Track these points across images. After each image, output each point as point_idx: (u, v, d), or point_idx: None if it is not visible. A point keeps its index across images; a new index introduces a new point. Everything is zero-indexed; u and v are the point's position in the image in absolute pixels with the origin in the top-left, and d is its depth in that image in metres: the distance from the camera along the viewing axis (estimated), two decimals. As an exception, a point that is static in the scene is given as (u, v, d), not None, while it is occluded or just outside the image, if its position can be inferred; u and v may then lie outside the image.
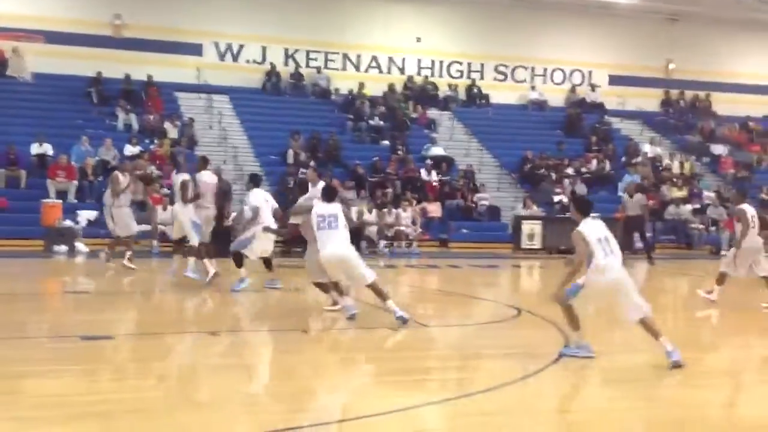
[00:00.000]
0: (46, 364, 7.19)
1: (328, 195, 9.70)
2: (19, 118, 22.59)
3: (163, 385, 6.74)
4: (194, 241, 12.31)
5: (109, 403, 5.92)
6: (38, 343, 8.24)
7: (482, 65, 30.78)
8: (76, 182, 20.33)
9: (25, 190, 20.42)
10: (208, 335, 8.76)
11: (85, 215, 19.15)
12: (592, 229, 7.58)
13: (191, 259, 12.42)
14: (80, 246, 17.97)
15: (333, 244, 9.21)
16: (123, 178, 14.42)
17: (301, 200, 11.22)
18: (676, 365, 7.20)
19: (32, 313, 10.16)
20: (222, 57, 27.97)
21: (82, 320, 9.69)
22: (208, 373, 7.12)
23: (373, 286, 9.42)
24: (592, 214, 7.80)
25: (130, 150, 22.06)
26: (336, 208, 9.47)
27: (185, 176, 12.80)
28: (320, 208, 9.47)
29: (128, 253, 14.13)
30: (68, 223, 18.52)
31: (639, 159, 27.19)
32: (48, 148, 21.09)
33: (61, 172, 20.26)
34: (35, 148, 21.05)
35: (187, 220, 12.29)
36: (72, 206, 19.37)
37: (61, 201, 19.35)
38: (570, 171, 25.74)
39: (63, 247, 17.81)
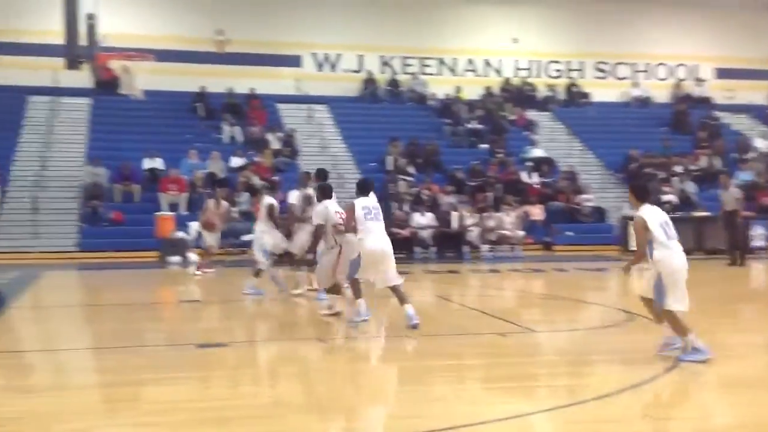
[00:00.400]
0: (163, 372, 7.46)
1: (364, 189, 9.88)
2: (132, 135, 23.58)
3: (276, 391, 6.89)
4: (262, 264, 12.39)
5: (225, 410, 6.10)
6: (156, 351, 8.57)
7: (582, 63, 30.27)
8: (186, 194, 21.05)
9: (139, 204, 21.28)
10: (317, 342, 8.91)
11: (196, 226, 19.77)
12: (652, 214, 7.54)
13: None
14: (192, 256, 18.59)
15: (376, 236, 9.40)
16: (212, 205, 14.85)
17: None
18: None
19: (149, 321, 10.58)
20: (320, 67, 28.46)
21: (197, 328, 10.02)
22: (320, 379, 7.24)
23: (398, 288, 9.46)
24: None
25: (235, 162, 22.70)
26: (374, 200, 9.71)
27: (271, 199, 12.61)
28: (364, 201, 9.65)
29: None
30: (180, 234, 19.20)
31: (751, 155, 26.07)
32: (159, 163, 21.92)
33: (172, 185, 21.03)
34: (147, 163, 21.91)
35: (262, 243, 12.24)
36: (183, 218, 20.07)
37: (173, 213, 20.08)
38: (678, 169, 24.92)
39: (176, 258, 18.48)
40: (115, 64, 25.49)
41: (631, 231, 21.06)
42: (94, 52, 14.27)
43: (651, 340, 8.55)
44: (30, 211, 20.15)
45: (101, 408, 6.28)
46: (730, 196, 18.80)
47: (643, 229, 7.46)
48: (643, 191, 7.91)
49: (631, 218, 18.75)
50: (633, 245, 20.54)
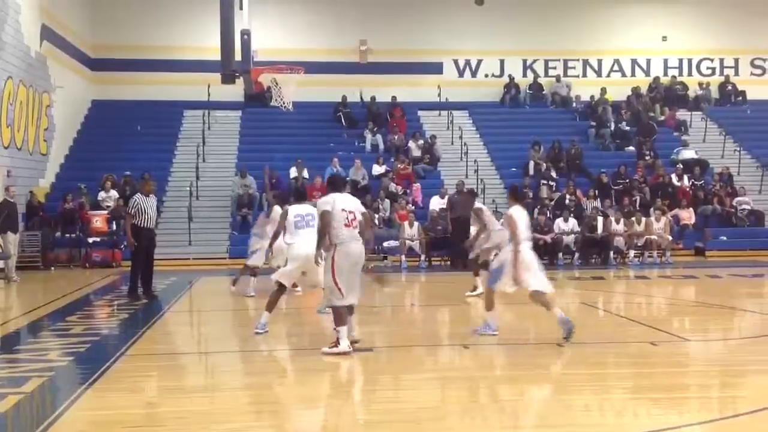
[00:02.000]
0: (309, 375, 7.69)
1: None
2: (279, 145, 24.47)
3: (426, 396, 6.96)
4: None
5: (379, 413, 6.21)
6: (300, 354, 8.84)
7: (736, 60, 28.82)
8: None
9: (286, 212, 21.93)
10: (461, 347, 8.92)
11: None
12: None
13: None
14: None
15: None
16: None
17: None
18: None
19: (298, 326, 10.89)
20: (461, 73, 28.49)
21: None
22: (460, 386, 7.24)
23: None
24: None
25: (377, 170, 23.07)
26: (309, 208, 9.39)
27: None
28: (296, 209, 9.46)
29: None
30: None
31: None
32: (305, 172, 22.59)
33: (317, 193, 21.54)
34: (293, 172, 22.63)
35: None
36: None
37: (319, 221, 20.58)
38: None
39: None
40: (265, 78, 26.46)
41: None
42: (248, 67, 14.87)
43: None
44: (185, 219, 21.25)
45: (251, 409, 6.54)
46: None
47: None
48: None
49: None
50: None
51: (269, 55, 25.63)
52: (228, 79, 14.58)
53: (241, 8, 14.34)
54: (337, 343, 8.11)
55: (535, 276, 8.89)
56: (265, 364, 8.30)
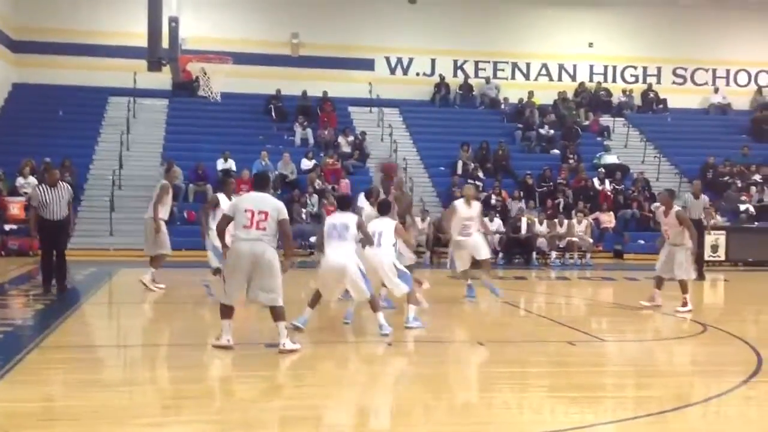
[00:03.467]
0: (233, 370, 7.60)
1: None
2: (207, 136, 24.10)
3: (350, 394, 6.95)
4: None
5: (288, 409, 6.16)
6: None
7: (659, 69, 29.66)
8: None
9: (211, 204, 21.65)
10: (385, 345, 8.94)
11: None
12: None
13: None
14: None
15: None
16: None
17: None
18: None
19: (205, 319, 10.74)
20: (393, 71, 28.56)
21: (265, 327, 10.14)
22: (386, 383, 7.25)
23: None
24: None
25: (306, 164, 22.95)
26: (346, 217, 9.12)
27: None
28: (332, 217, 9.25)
29: None
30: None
31: (836, 164, 25.13)
32: (232, 164, 22.31)
33: (244, 186, 21.31)
34: (220, 164, 22.33)
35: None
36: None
37: (244, 213, 20.36)
38: (757, 178, 24.18)
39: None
40: (194, 67, 26.04)
41: (707, 241, 20.64)
42: (176, 54, 14.59)
43: (724, 352, 8.34)
44: (107, 209, 20.73)
45: (171, 404, 6.43)
46: None
47: None
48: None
49: (706, 228, 18.10)
50: (707, 256, 20.13)
51: (198, 44, 25.29)
52: (154, 66, 14.30)
53: (170, -5, 14.07)
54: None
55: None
56: (185, 358, 8.14)
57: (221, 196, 11.84)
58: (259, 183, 8.52)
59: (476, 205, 12.41)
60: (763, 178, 24.18)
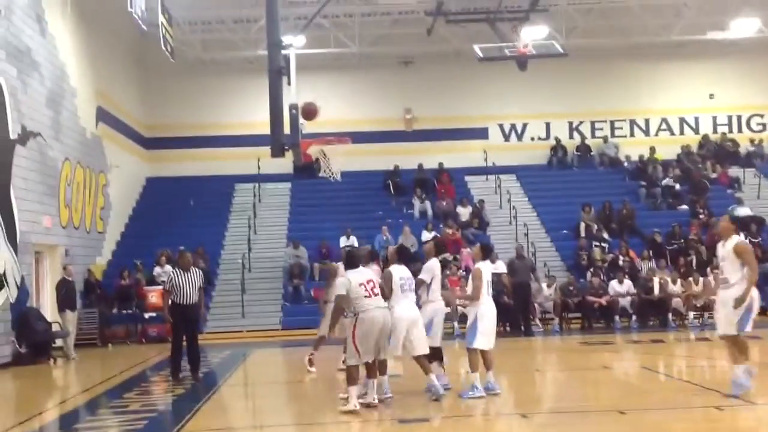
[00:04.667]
0: None
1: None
2: (329, 215, 24.69)
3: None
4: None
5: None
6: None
7: (788, 114, 28.42)
8: (379, 269, 21.53)
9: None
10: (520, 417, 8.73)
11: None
12: None
13: None
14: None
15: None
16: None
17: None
18: None
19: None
20: (507, 137, 28.60)
21: (404, 403, 10.11)
22: None
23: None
24: None
25: (426, 236, 23.05)
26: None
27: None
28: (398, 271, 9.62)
29: None
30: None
31: None
32: (354, 240, 22.68)
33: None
34: (343, 241, 22.75)
35: None
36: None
37: (369, 289, 20.57)
38: None
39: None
40: (314, 149, 26.89)
41: None
42: (297, 139, 15.16)
43: None
44: (238, 292, 21.41)
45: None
46: None
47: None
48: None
49: None
50: None
51: (317, 126, 26.10)
52: (277, 152, 14.85)
53: (289, 83, 14.64)
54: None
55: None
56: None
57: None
58: (352, 261, 9.46)
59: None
60: None
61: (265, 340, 19.22)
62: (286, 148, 14.92)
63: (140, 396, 11.23)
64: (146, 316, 20.19)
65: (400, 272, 9.63)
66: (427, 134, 27.85)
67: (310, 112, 12.46)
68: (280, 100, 14.42)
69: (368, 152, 26.67)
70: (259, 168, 25.56)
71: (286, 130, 14.79)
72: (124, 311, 20.43)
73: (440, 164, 26.72)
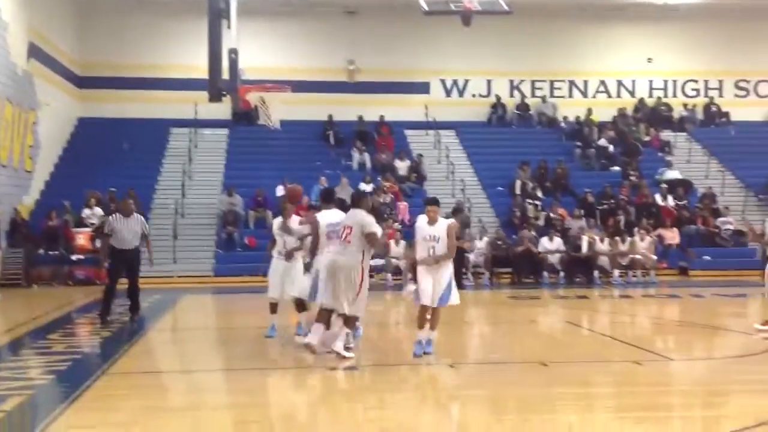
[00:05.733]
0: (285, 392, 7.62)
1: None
2: (266, 163, 24.46)
3: (408, 414, 6.93)
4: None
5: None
6: (285, 372, 8.80)
7: (720, 82, 29.07)
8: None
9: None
10: (447, 366, 8.90)
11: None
12: None
13: None
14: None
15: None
16: None
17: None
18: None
19: (281, 344, 10.84)
20: (448, 93, 28.61)
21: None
22: (447, 403, 7.21)
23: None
24: None
25: (364, 187, 23.07)
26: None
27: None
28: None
29: None
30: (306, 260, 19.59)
31: None
32: (291, 190, 22.53)
33: (303, 211, 21.57)
34: (280, 190, 22.60)
35: None
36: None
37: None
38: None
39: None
40: (253, 96, 26.50)
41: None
42: (236, 85, 14.85)
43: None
44: (170, 237, 21.15)
45: (234, 429, 6.49)
46: None
47: None
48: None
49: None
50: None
51: (257, 73, 25.72)
52: (215, 97, 14.55)
53: (229, 27, 14.31)
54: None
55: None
56: (249, 383, 8.22)
57: (276, 220, 11.88)
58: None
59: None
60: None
61: (197, 286, 19.08)
62: (224, 93, 14.63)
63: (65, 338, 11.08)
64: (73, 258, 19.82)
65: (328, 218, 9.50)
66: (368, 86, 27.63)
67: (294, 195, 12.09)
68: (219, 44, 14.08)
69: (309, 102, 26.40)
70: (196, 113, 25.09)
71: (225, 75, 14.48)
72: (51, 252, 20.00)
73: (381, 117, 26.63)
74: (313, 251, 9.50)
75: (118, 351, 9.78)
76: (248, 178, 23.65)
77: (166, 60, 26.70)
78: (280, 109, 25.30)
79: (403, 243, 19.72)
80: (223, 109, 24.17)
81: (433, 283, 8.85)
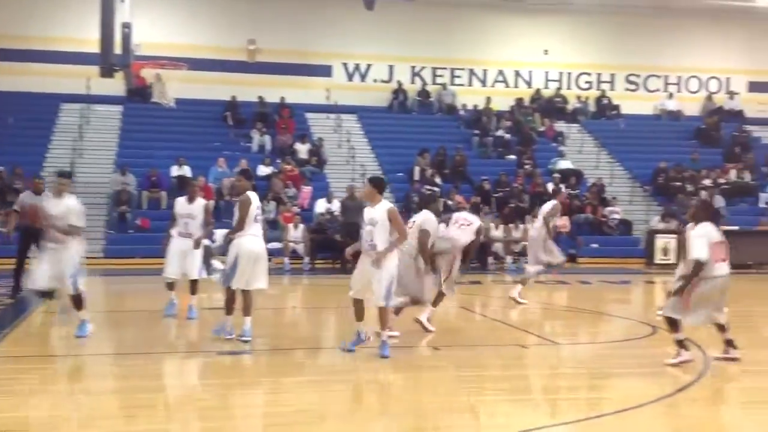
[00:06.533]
0: (182, 378, 7.52)
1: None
2: (161, 142, 23.85)
3: (300, 399, 6.92)
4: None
5: (247, 418, 6.12)
6: (176, 358, 8.65)
7: (612, 76, 30.11)
8: (213, 202, 21.17)
9: (166, 211, 21.39)
10: (338, 350, 8.92)
11: (222, 234, 19.93)
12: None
13: None
14: (217, 264, 18.68)
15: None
16: None
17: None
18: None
19: (172, 328, 10.65)
20: (350, 77, 28.59)
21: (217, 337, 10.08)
22: (338, 386, 7.24)
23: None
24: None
25: (263, 170, 22.83)
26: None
27: None
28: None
29: None
30: (205, 242, 19.26)
31: (783, 168, 25.81)
32: (187, 170, 22.09)
33: (201, 193, 21.15)
34: (175, 170, 22.11)
35: None
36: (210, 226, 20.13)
37: (199, 220, 20.19)
38: (707, 182, 24.67)
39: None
40: (148, 73, 25.81)
41: (657, 244, 20.88)
42: (129, 60, 14.42)
43: (674, 354, 8.46)
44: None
45: (121, 413, 6.35)
46: None
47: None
48: (383, 186, 8.50)
49: (657, 231, 18.20)
50: (658, 259, 20.44)
51: (153, 49, 25.09)
52: (106, 72, 14.15)
53: (122, 0, 13.90)
54: None
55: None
56: (140, 367, 8.03)
57: (179, 200, 11.64)
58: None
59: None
60: (712, 182, 24.66)
61: (86, 267, 18.44)
62: (117, 68, 14.22)
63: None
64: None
65: (256, 200, 9.11)
66: (270, 67, 27.30)
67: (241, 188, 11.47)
68: (111, 17, 13.68)
69: (208, 81, 25.96)
70: (88, 88, 24.17)
71: (118, 50, 14.05)
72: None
73: (282, 99, 26.37)
74: (236, 231, 8.91)
75: (3, 332, 9.39)
76: (142, 157, 23.02)
77: (58, 32, 25.60)
78: (176, 87, 24.81)
79: (301, 227, 19.67)
80: (117, 85, 23.45)
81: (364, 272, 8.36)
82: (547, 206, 13.59)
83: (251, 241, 8.92)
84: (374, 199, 8.21)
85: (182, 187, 21.44)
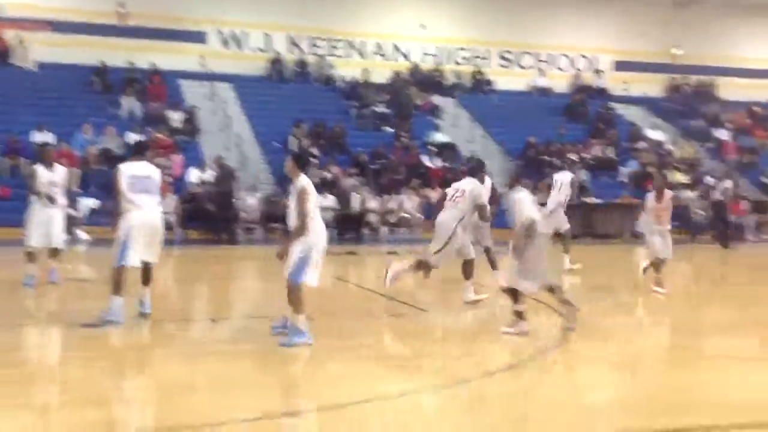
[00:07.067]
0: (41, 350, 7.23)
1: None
2: (23, 107, 22.59)
3: (162, 372, 6.77)
4: None
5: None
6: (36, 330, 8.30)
7: (488, 51, 30.74)
8: (78, 170, 20.29)
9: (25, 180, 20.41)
10: (210, 322, 8.79)
11: (87, 203, 19.21)
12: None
13: None
14: (81, 234, 18.03)
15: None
16: None
17: None
18: None
19: (32, 299, 10.20)
20: (226, 45, 27.95)
21: (82, 308, 9.71)
22: (209, 359, 7.13)
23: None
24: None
25: (133, 138, 22.04)
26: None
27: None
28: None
29: None
30: (69, 211, 18.51)
31: (642, 144, 27.15)
32: (49, 136, 21.03)
33: (63, 160, 20.22)
34: (36, 137, 21.04)
35: None
36: (74, 194, 19.35)
37: (63, 189, 19.36)
38: (573, 157, 25.64)
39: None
40: (9, 34, 24.43)
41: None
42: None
43: (541, 320, 8.80)
44: None
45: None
46: None
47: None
48: (305, 161, 8.22)
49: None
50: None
51: (16, 10, 23.75)
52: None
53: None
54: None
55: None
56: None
57: (39, 168, 11.10)
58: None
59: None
60: (578, 156, 25.65)
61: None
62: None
63: None
64: None
65: (133, 170, 8.39)
66: (140, 31, 26.29)
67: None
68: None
69: (74, 44, 24.81)
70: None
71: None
72: None
73: (153, 64, 25.48)
74: (117, 208, 8.29)
75: None
76: (2, 122, 21.77)
77: None
78: (39, 51, 23.59)
79: (175, 197, 19.18)
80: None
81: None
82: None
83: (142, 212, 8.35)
84: (295, 174, 7.82)
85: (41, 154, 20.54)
